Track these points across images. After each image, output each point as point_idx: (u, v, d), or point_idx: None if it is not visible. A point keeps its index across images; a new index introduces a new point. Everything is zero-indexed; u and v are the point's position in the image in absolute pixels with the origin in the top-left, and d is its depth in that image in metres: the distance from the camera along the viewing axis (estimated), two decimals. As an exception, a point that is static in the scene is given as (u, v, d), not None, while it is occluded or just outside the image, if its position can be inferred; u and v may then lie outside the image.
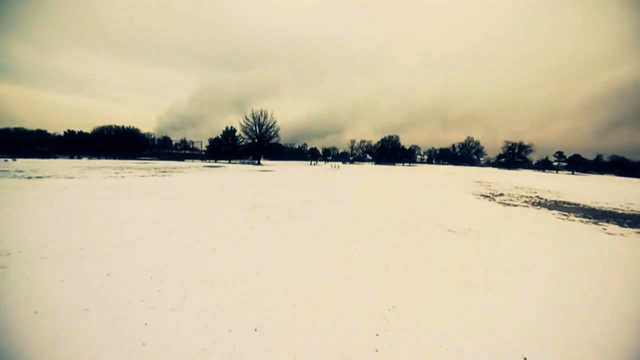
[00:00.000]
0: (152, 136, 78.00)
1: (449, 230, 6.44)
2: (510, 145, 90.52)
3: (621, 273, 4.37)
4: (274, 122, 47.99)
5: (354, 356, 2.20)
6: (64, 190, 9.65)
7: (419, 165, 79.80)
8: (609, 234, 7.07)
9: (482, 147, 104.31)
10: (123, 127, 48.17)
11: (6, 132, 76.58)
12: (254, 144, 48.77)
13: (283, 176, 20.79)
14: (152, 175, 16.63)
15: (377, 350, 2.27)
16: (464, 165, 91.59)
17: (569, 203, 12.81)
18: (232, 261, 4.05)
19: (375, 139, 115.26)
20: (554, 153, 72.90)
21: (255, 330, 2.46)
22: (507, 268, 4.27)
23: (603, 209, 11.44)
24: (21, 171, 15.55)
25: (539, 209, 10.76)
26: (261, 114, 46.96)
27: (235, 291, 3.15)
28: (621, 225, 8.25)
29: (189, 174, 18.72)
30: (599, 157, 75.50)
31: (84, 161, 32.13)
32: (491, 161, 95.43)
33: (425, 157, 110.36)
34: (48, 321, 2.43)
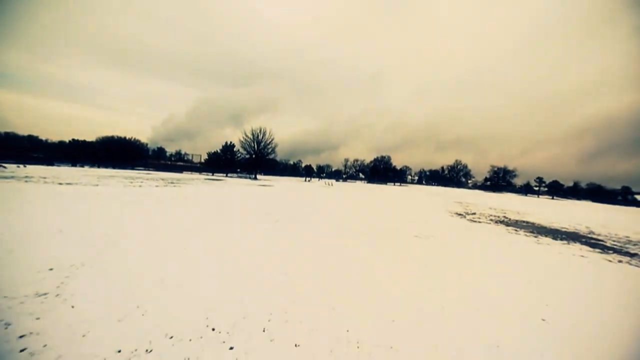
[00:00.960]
0: (147, 146, 79.40)
1: (415, 236, 8.49)
2: (495, 169, 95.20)
3: (531, 264, 6.44)
4: (272, 139, 50.46)
5: (346, 279, 4.15)
6: (102, 195, 11.39)
7: (409, 186, 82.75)
8: (538, 243, 9.22)
9: (470, 170, 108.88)
10: (125, 137, 49.79)
11: (26, 139, 76.82)
12: (252, 159, 50.83)
13: (282, 191, 22.72)
14: (165, 186, 18.35)
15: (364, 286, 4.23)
16: (452, 186, 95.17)
17: (527, 222, 15.10)
18: (266, 242, 5.97)
19: (369, 157, 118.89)
20: (535, 178, 77.10)
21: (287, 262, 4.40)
22: (452, 257, 6.30)
23: (551, 227, 13.73)
24: (44, 177, 17.10)
25: (497, 225, 12.96)
26: (260, 131, 49.47)
27: (272, 253, 5.08)
28: (554, 239, 10.45)
29: (196, 186, 20.49)
30: (576, 184, 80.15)
31: (91, 170, 33.41)
32: (478, 184, 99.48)
33: (416, 177, 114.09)
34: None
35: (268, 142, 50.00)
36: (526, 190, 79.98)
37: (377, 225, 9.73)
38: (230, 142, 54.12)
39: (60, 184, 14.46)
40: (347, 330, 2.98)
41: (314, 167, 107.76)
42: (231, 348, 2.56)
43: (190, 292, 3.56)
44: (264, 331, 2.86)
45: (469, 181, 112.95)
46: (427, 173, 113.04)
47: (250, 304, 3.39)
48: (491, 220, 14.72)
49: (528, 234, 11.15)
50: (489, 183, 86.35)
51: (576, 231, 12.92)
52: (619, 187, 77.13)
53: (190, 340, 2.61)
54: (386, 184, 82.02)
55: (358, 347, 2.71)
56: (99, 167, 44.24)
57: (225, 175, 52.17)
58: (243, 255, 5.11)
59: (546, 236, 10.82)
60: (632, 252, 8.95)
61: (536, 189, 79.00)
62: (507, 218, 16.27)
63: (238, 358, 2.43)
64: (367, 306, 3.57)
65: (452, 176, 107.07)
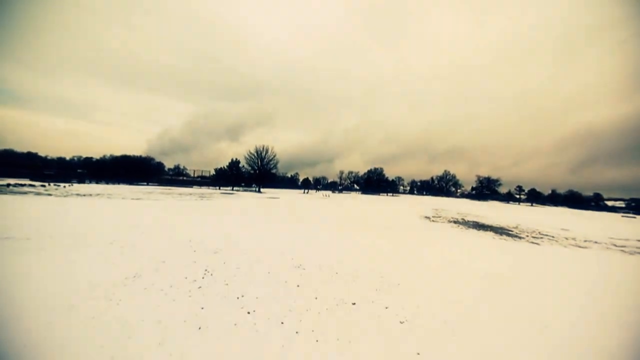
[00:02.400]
0: (158, 163, 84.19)
1: (385, 228, 13.82)
2: (481, 179, 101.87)
3: (450, 239, 11.78)
4: (274, 156, 56.05)
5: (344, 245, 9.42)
6: (173, 207, 16.51)
7: (401, 196, 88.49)
8: (464, 232, 14.59)
9: (458, 180, 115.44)
10: (141, 156, 54.98)
11: (21, 156, 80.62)
12: (256, 174, 56.13)
13: (289, 202, 27.96)
14: (197, 200, 23.46)
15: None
16: (441, 196, 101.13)
17: (474, 222, 20.53)
18: (296, 233, 11.21)
19: (364, 169, 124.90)
20: (515, 187, 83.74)
21: (303, 237, 9.68)
22: (409, 238, 11.62)
23: (488, 224, 19.16)
24: (110, 194, 22.10)
25: (449, 224, 18.35)
26: (263, 148, 55.07)
27: (299, 235, 10.32)
28: (478, 230, 15.84)
29: (226, 200, 25.62)
30: (554, 192, 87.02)
31: (120, 187, 38.20)
32: (465, 193, 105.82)
33: (408, 187, 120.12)
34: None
35: (270, 158, 55.56)
36: (508, 198, 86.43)
37: (366, 223, 15.08)
38: (236, 159, 59.48)
39: (124, 198, 19.53)
40: (364, 264, 8.27)
41: (311, 180, 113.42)
42: (302, 269, 7.81)
43: (291, 252, 8.81)
44: (334, 270, 8.11)
45: (458, 190, 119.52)
46: (418, 183, 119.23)
47: (328, 259, 8.64)
48: (448, 221, 20.12)
49: (464, 228, 16.54)
50: (474, 192, 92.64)
51: (502, 227, 18.39)
52: (607, 195, 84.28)
53: (284, 268, 7.86)
54: (379, 194, 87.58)
55: (356, 276, 8.01)
56: (118, 183, 48.95)
57: (231, 188, 57.19)
58: (299, 238, 10.36)
59: (476, 229, 16.23)
60: (521, 236, 14.39)
61: (517, 196, 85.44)
62: (462, 220, 21.69)
63: (306, 272, 7.68)
64: (369, 256, 8.87)
65: (442, 186, 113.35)
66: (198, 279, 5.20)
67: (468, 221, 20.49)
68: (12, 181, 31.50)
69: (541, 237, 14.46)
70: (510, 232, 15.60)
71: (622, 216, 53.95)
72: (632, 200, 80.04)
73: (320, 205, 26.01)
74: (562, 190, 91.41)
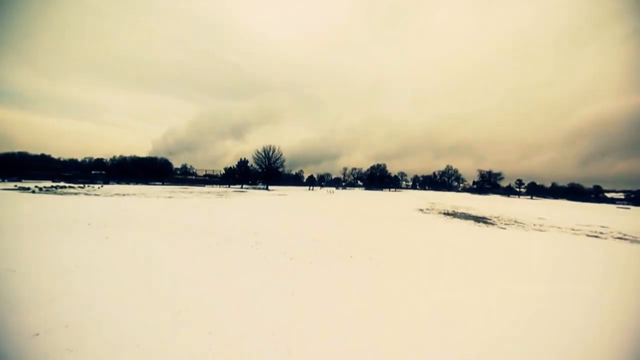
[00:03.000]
0: (172, 164, 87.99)
1: (382, 218, 16.75)
2: (483, 173, 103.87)
3: (435, 227, 14.68)
4: (281, 155, 59.15)
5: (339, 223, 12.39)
6: (206, 203, 19.60)
7: (403, 191, 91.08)
8: (450, 221, 17.43)
9: (460, 175, 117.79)
10: (156, 157, 58.52)
11: (35, 158, 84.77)
12: (264, 173, 59.33)
13: (298, 198, 30.98)
14: (218, 197, 26.58)
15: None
16: (443, 190, 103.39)
17: (462, 213, 23.30)
18: (309, 220, 14.20)
19: (368, 165, 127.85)
20: (515, 181, 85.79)
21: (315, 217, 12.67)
22: (401, 226, 14.54)
23: (473, 215, 21.94)
24: (144, 193, 25.34)
25: (439, 215, 21.17)
26: (270, 148, 58.18)
27: (312, 222, 13.30)
28: (462, 219, 18.66)
29: (242, 197, 28.72)
30: (554, 184, 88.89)
31: (142, 187, 41.62)
32: (467, 187, 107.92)
33: (410, 183, 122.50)
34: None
35: (277, 157, 58.68)
36: (509, 192, 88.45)
37: (366, 215, 18.05)
38: (244, 158, 62.71)
39: (158, 197, 22.73)
40: (365, 238, 11.25)
41: (315, 177, 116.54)
42: (316, 240, 10.81)
43: (308, 232, 11.82)
44: (340, 242, 11.10)
45: (460, 185, 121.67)
46: (421, 179, 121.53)
47: (336, 236, 11.64)
48: (439, 213, 22.93)
49: (450, 218, 19.37)
50: (475, 186, 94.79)
51: (485, 217, 21.17)
52: (618, 187, 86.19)
53: (298, 234, 10.86)
54: (382, 190, 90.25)
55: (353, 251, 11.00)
56: (137, 184, 52.53)
57: (241, 186, 60.49)
58: (313, 224, 13.35)
59: (460, 219, 19.06)
60: (494, 223, 17.20)
61: (518, 190, 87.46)
62: (452, 211, 24.46)
63: (319, 240, 10.67)
64: (365, 236, 11.85)
65: (444, 181, 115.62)
66: (253, 245, 8.21)
67: (457, 212, 23.29)
68: (46, 184, 35.04)
69: (512, 224, 17.25)
70: (487, 221, 18.40)
71: (617, 207, 56.13)
72: (631, 192, 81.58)
73: (326, 201, 29.02)
74: (564, 183, 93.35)
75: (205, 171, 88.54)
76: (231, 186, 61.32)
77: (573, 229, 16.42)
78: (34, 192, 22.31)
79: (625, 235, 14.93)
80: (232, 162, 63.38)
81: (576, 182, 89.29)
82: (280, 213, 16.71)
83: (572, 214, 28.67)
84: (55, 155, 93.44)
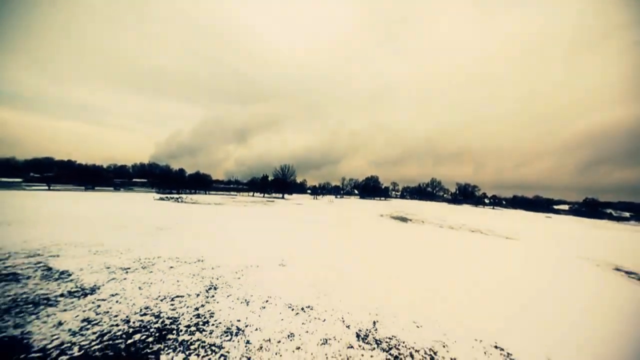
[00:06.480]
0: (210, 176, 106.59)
1: (353, 219, 35.24)
2: (460, 185, 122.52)
3: (383, 228, 33.12)
4: (294, 171, 78.04)
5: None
6: (285, 207, 38.10)
7: (391, 200, 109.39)
8: (397, 224, 35.87)
9: (443, 186, 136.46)
10: (198, 172, 77.21)
11: (64, 164, 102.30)
12: (280, 185, 78.18)
13: (312, 207, 49.36)
14: (262, 205, 44.95)
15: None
16: (426, 200, 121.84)
17: (405, 217, 41.68)
18: (324, 216, 32.65)
19: (369, 171, 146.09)
20: (482, 193, 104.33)
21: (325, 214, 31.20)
22: (363, 227, 32.98)
23: (414, 219, 40.35)
24: (218, 203, 43.84)
25: (390, 219, 39.59)
26: (286, 167, 77.12)
27: (326, 218, 31.77)
28: (403, 221, 37.10)
29: (281, 205, 47.07)
30: (515, 196, 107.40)
31: (201, 196, 60.01)
32: (446, 198, 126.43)
33: (399, 193, 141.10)
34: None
35: (292, 173, 77.61)
36: (477, 202, 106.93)
37: (349, 218, 36.68)
38: (265, 174, 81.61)
39: (235, 205, 41.33)
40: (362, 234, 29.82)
41: (317, 185, 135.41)
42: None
43: (324, 219, 30.38)
44: (332, 224, 29.63)
45: (444, 195, 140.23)
46: (409, 189, 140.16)
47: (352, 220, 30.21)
48: (391, 217, 41.33)
49: (392, 220, 37.79)
50: (450, 197, 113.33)
51: (418, 219, 39.60)
52: (614, 195, 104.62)
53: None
54: (374, 198, 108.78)
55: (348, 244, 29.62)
56: (190, 192, 71.01)
57: (263, 195, 79.07)
58: (328, 216, 31.85)
59: (397, 220, 37.50)
60: (414, 221, 35.72)
61: (485, 201, 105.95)
62: (400, 216, 42.82)
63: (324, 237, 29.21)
64: (352, 233, 30.41)
65: (429, 191, 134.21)
66: (329, 224, 26.59)
67: (402, 217, 41.74)
68: (157, 194, 53.41)
69: (430, 223, 35.47)
70: (412, 220, 36.70)
71: (545, 217, 74.88)
72: (576, 203, 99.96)
73: (328, 208, 47.74)
74: (555, 192, 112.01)
75: (229, 179, 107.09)
76: (254, 194, 79.81)
77: (471, 229, 34.72)
78: (177, 201, 40.77)
79: (491, 231, 33.24)
80: (232, 166, 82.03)
81: (573, 190, 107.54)
82: (314, 212, 34.99)
83: (493, 220, 47.11)
84: (69, 159, 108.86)
